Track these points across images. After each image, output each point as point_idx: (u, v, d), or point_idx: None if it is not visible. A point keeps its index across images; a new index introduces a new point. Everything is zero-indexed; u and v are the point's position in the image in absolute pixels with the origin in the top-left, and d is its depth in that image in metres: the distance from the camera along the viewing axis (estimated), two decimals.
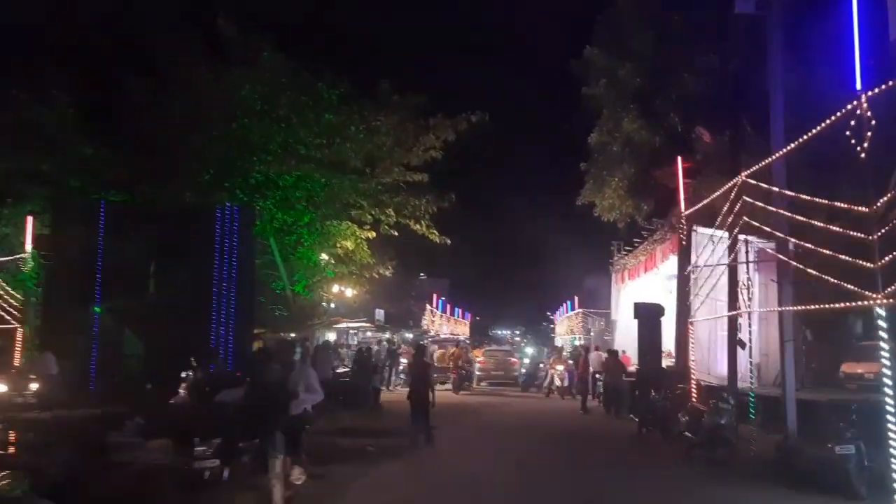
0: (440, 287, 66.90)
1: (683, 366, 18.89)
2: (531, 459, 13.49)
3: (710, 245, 19.53)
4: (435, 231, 25.55)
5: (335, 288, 29.88)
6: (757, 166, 12.57)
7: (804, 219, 11.10)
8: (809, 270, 10.90)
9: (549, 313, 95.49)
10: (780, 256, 12.31)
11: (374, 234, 25.45)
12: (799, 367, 20.13)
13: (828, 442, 10.50)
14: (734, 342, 15.80)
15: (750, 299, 14.21)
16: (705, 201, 15.51)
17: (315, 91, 23.00)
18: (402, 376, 26.79)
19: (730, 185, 13.22)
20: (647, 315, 19.90)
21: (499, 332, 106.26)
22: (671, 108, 23.46)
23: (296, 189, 23.53)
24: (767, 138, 22.40)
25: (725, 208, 13.69)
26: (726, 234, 18.37)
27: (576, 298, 55.98)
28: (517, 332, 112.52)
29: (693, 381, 15.65)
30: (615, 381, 20.02)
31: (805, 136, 10.99)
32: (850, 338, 23.98)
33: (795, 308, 12.87)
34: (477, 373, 29.58)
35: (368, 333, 30.64)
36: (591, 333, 32.40)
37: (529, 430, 17.40)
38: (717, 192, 14.17)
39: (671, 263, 21.83)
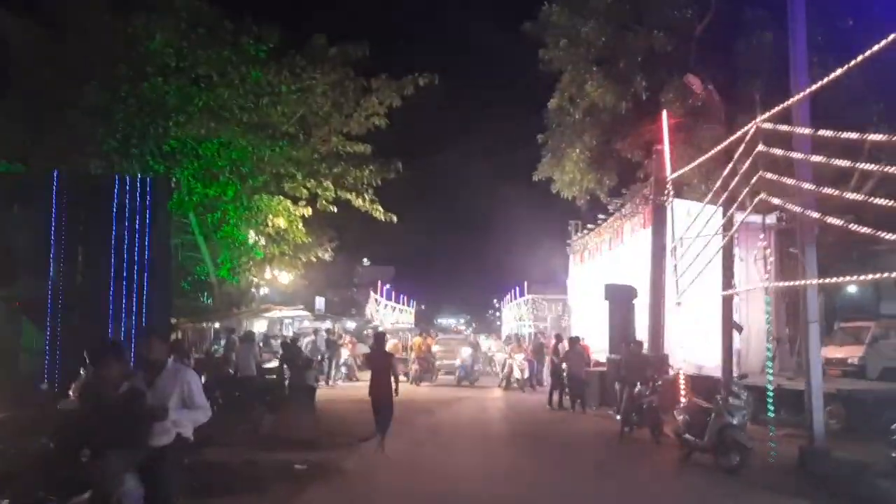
0: (385, 275, 64.01)
1: (658, 354, 16.72)
2: (501, 471, 10.93)
3: (688, 218, 17.59)
4: (379, 207, 22.78)
5: (268, 273, 26.88)
6: (779, 107, 10.20)
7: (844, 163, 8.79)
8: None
9: (495, 300, 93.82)
10: (811, 214, 9.95)
11: (309, 210, 22.51)
12: (782, 354, 18.28)
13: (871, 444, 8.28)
14: (729, 326, 13.60)
15: (767, 272, 11.84)
16: (712, 152, 13.13)
17: (240, 45, 19.90)
18: (343, 370, 24.00)
19: (743, 131, 10.84)
20: (620, 297, 17.63)
21: (443, 322, 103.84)
22: (638, 69, 21.17)
23: (218, 158, 20.43)
24: (735, 104, 20.55)
25: (731, 164, 11.33)
26: (705, 207, 16.43)
27: (525, 284, 54.00)
28: (462, 321, 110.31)
29: (676, 372, 13.35)
30: (579, 372, 17.63)
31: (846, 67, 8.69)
32: (830, 319, 22.29)
33: (823, 281, 10.61)
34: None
35: (306, 323, 27.75)
36: (548, 320, 30.08)
37: (495, 431, 14.85)
38: (729, 140, 11.79)
39: (641, 239, 19.60)
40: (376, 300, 51.08)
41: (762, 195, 10.37)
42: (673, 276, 15.88)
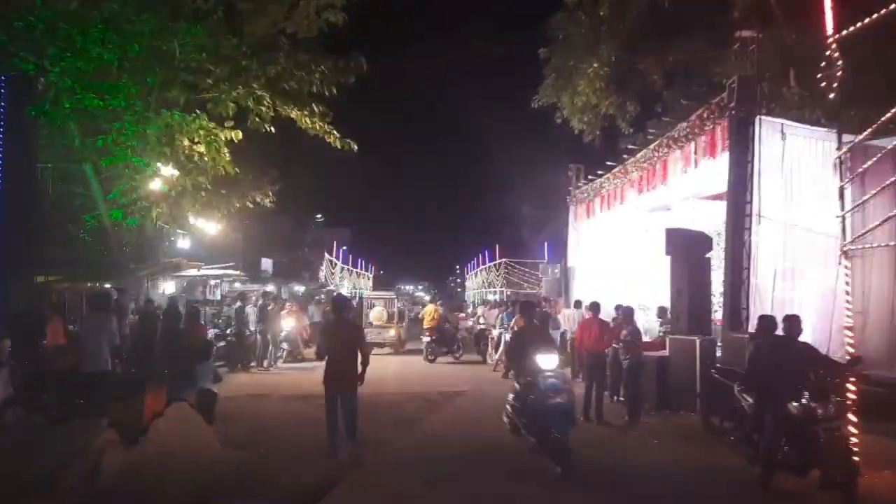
0: (341, 236, 57.78)
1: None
2: None
3: (780, 140, 12.19)
4: (334, 131, 16.67)
5: (193, 224, 20.66)
6: None
7: None
8: None
9: (457, 267, 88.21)
10: None
11: (239, 135, 16.23)
12: None
13: None
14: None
15: None
16: None
17: None
18: (284, 348, 18.02)
19: None
20: (688, 249, 11.98)
21: (402, 288, 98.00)
22: None
23: (104, 47, 14.06)
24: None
25: None
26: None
27: (496, 247, 48.49)
28: (420, 287, 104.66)
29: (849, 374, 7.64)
30: (598, 354, 11.53)
31: None
32: None
33: None
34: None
35: (237, 285, 21.73)
36: (542, 284, 24.38)
37: (526, 465, 8.91)
38: None
39: (697, 175, 14.00)
40: (331, 262, 45.06)
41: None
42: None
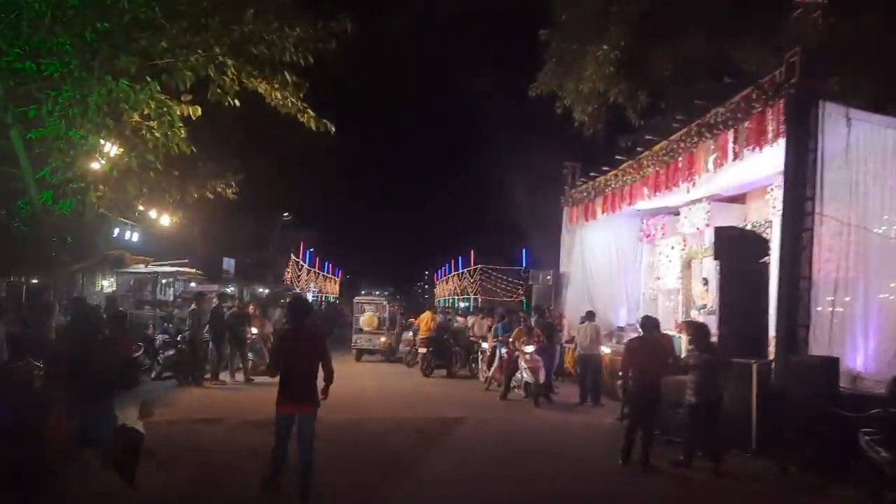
0: (309, 237, 55.04)
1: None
2: None
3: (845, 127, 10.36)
4: (309, 110, 14.31)
5: (148, 215, 18.12)
6: None
7: None
8: None
9: (426, 272, 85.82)
10: None
11: (197, 110, 13.74)
12: None
13: None
14: None
15: None
16: None
17: None
18: (250, 357, 15.57)
19: None
20: (742, 252, 9.91)
21: (368, 293, 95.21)
22: None
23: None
24: None
25: None
26: None
27: (471, 252, 46.31)
28: (385, 293, 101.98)
29: None
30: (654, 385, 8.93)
31: None
32: None
33: None
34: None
35: (193, 285, 19.18)
36: (532, 292, 22.15)
37: None
38: None
39: (735, 170, 12.02)
40: (297, 264, 42.46)
41: None
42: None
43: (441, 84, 77.83)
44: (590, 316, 13.21)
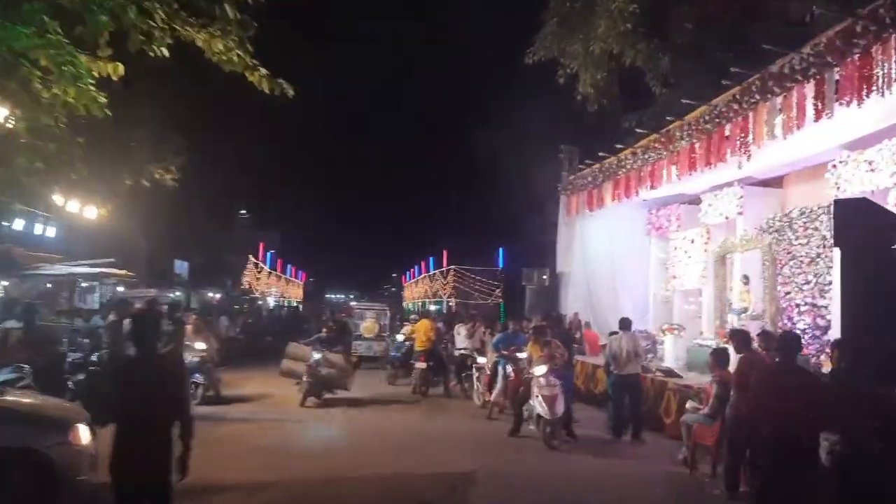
0: (271, 240, 51.41)
1: None
2: None
3: None
4: (260, 68, 11.14)
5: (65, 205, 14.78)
6: None
7: None
8: None
9: (393, 274, 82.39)
10: None
11: (119, 68, 10.46)
12: None
13: None
14: None
15: None
16: None
17: None
18: (197, 382, 12.28)
19: None
20: (878, 238, 7.07)
21: (332, 297, 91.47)
22: None
23: None
24: None
25: None
26: None
27: (444, 252, 43.30)
28: (351, 297, 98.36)
29: None
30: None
31: None
32: None
33: None
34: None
35: (121, 289, 15.86)
36: (525, 293, 19.13)
37: None
38: None
39: (807, 136, 9.25)
40: (257, 266, 38.94)
41: None
42: None
43: (416, 60, 72.85)
44: (625, 324, 10.27)
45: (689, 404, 8.16)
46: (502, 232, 37.54)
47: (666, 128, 12.22)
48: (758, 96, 9.64)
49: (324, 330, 14.21)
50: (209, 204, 30.34)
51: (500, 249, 37.72)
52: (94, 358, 11.16)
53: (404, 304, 59.43)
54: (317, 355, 12.39)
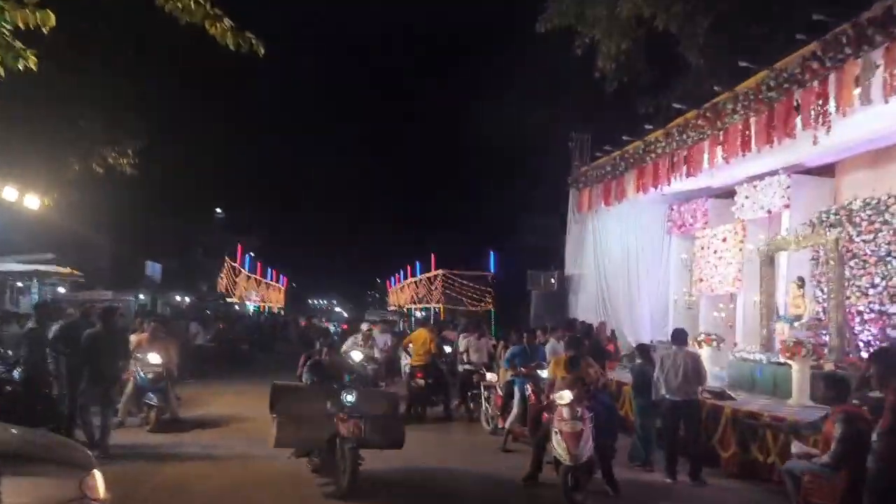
0: (250, 242, 48.84)
1: None
2: None
3: None
4: (225, 19, 9.00)
5: None
6: None
7: None
8: None
9: (377, 279, 79.66)
10: None
11: (50, 17, 8.27)
12: None
13: None
14: None
15: None
16: None
17: None
18: (151, 400, 10.00)
19: None
20: None
21: (315, 303, 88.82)
22: None
23: None
24: None
25: None
26: None
27: (432, 256, 41.09)
28: (334, 302, 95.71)
29: None
30: None
31: None
32: None
33: None
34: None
35: (61, 290, 13.55)
36: (532, 298, 16.80)
37: None
38: None
39: None
40: (234, 269, 36.54)
41: None
42: None
43: (402, 42, 68.42)
44: (680, 338, 8.06)
45: (794, 447, 6.08)
46: (494, 234, 35.51)
47: (713, 101, 10.20)
48: (848, 50, 7.64)
49: (322, 350, 8.68)
50: (182, 201, 28.03)
51: (492, 253, 35.71)
52: (14, 374, 8.95)
53: (389, 310, 57.18)
54: (349, 397, 7.08)
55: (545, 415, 7.40)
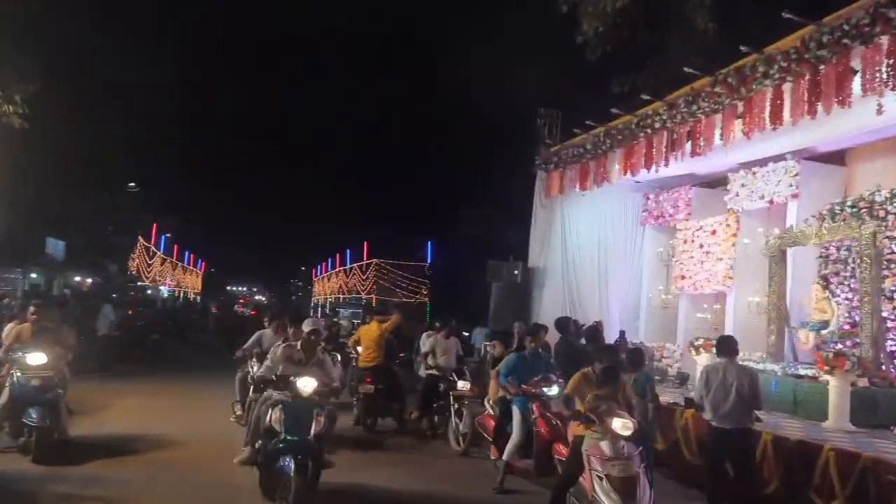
0: (167, 222, 45.14)
1: None
2: None
3: None
4: None
5: None
6: None
7: None
8: None
9: (302, 267, 76.19)
10: None
11: None
12: None
13: None
14: None
15: None
16: None
17: None
18: (32, 416, 7.38)
19: None
20: None
21: (234, 290, 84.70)
22: None
23: None
24: None
25: None
26: None
27: (365, 244, 38.88)
28: (254, 290, 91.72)
29: None
30: None
31: None
32: None
33: None
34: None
35: None
36: (492, 293, 14.82)
37: None
38: None
39: None
40: (148, 250, 33.26)
41: None
42: None
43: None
44: (729, 348, 6.01)
45: None
46: (433, 223, 33.66)
47: (734, 65, 8.58)
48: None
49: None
50: (91, 169, 24.86)
51: (428, 244, 33.91)
52: None
53: (314, 300, 54.53)
54: None
55: (558, 447, 5.56)
